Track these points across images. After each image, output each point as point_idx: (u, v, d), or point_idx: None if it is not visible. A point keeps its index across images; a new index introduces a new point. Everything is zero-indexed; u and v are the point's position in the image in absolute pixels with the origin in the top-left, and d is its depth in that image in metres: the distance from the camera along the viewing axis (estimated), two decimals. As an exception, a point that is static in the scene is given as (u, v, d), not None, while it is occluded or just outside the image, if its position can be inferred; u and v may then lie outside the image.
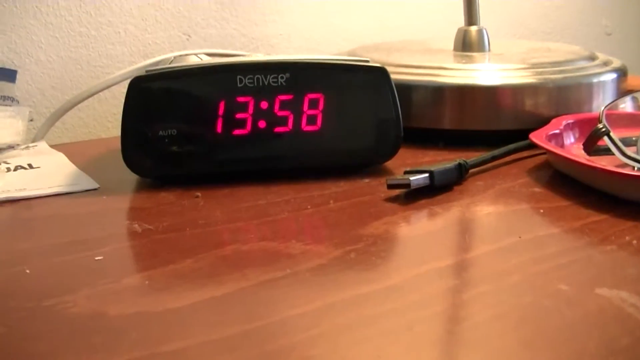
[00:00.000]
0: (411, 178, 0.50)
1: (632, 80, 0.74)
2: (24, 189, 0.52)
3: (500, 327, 0.35)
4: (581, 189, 0.52)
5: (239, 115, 0.53)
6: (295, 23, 0.87)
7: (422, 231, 0.47)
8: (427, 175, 0.51)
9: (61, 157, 0.60)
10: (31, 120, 0.68)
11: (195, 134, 0.53)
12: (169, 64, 0.59)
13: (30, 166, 0.57)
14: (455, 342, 0.34)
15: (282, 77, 0.53)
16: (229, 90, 0.53)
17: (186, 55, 0.61)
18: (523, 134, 0.59)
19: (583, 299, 0.37)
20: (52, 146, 0.63)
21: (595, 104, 0.67)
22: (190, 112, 0.53)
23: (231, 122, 0.53)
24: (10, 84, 0.68)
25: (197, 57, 0.60)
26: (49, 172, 0.56)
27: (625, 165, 0.54)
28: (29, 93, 0.72)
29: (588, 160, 0.53)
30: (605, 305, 0.36)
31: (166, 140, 0.52)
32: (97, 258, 0.41)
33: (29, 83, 0.72)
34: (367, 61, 0.56)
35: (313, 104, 0.54)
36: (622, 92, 0.70)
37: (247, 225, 0.47)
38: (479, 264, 0.42)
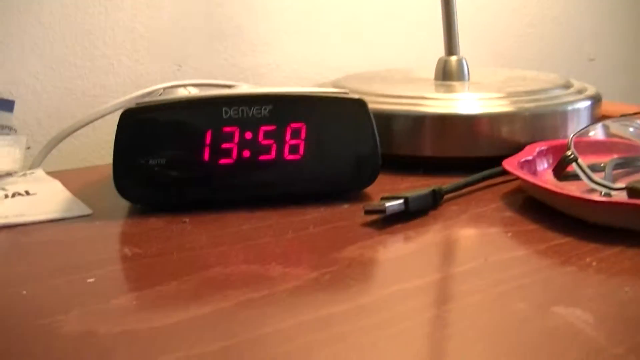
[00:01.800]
0: (387, 204, 0.52)
1: (608, 106, 0.77)
2: (22, 215, 0.55)
3: (460, 344, 0.38)
4: (550, 213, 0.54)
5: (224, 145, 0.56)
6: (283, 53, 0.90)
7: (395, 255, 0.50)
8: (402, 201, 0.53)
9: (57, 184, 0.62)
10: (28, 148, 0.71)
11: (183, 163, 0.55)
12: (159, 95, 0.62)
13: (27, 193, 0.59)
14: (416, 357, 0.37)
15: (265, 109, 0.56)
16: (215, 121, 0.55)
17: (175, 86, 0.63)
18: (501, 159, 0.61)
19: (539, 316, 0.39)
20: (48, 173, 0.65)
21: (569, 131, 0.69)
22: (179, 142, 0.55)
23: (217, 152, 0.56)
24: (8, 114, 0.71)
25: (184, 89, 0.62)
26: (45, 198, 0.59)
27: (593, 190, 0.56)
28: (25, 122, 0.75)
29: (555, 186, 0.55)
30: (559, 323, 0.39)
31: (155, 168, 0.55)
32: (88, 280, 0.44)
33: (26, 112, 0.75)
34: (347, 93, 0.59)
35: (295, 134, 0.56)
36: (595, 119, 0.73)
37: (230, 249, 0.49)
38: (445, 285, 0.45)
